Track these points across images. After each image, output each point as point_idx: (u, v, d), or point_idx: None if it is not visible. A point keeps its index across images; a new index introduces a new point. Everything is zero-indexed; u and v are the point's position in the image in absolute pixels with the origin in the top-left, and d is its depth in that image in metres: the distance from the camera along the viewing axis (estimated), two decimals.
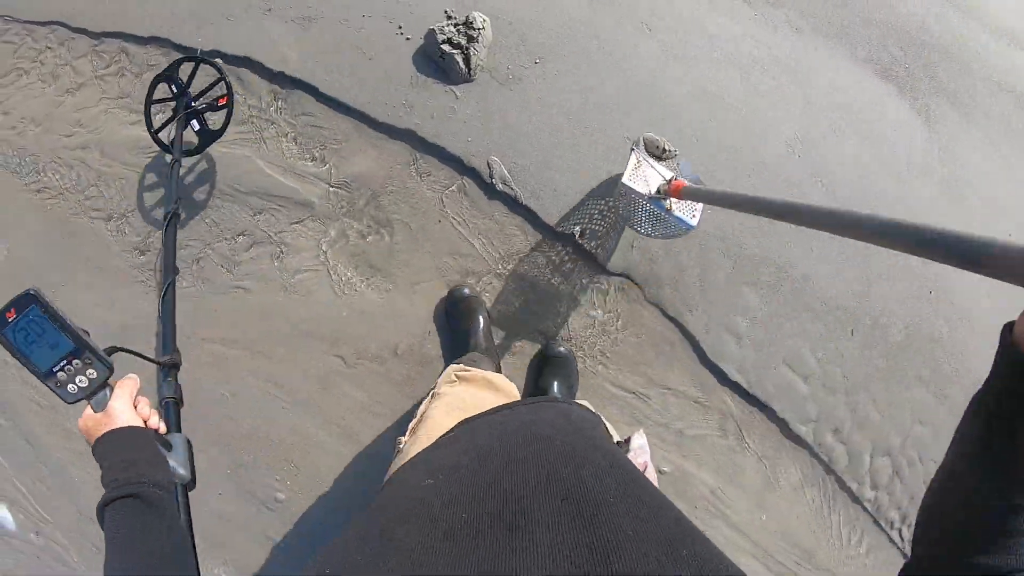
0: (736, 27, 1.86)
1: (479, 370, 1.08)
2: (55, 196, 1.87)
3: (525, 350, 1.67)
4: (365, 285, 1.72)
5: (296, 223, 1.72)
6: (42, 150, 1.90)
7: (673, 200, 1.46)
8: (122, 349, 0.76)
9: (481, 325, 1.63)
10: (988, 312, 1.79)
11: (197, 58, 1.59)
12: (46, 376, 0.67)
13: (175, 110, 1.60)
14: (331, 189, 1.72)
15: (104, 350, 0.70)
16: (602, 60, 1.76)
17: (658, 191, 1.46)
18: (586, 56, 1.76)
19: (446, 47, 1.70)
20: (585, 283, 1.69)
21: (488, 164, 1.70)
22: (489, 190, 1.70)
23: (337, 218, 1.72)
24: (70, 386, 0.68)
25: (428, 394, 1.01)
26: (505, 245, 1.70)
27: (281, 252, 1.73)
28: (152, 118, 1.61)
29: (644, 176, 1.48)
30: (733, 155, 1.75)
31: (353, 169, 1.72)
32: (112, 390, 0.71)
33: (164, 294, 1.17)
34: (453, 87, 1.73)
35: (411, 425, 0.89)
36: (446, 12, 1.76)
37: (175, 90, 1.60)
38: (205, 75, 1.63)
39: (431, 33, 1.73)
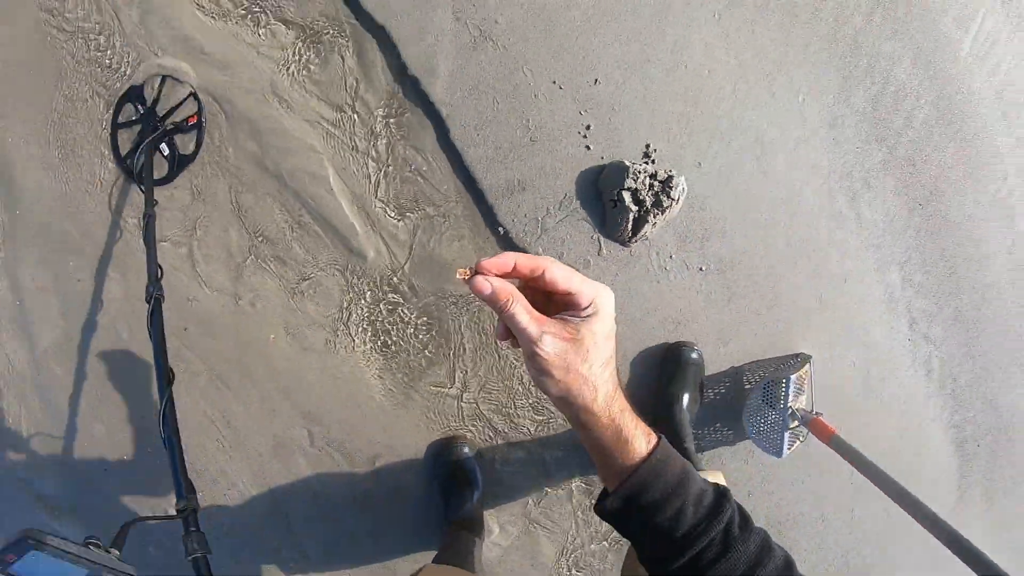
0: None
1: None
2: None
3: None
4: (377, 379, 1.48)
5: (330, 268, 1.43)
6: None
7: (795, 426, 1.39)
8: (138, 520, 0.69)
9: (475, 498, 1.45)
10: None
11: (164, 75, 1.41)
12: None
13: (141, 133, 1.41)
14: (393, 254, 1.42)
15: (118, 533, 0.64)
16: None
17: (794, 415, 1.38)
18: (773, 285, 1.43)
19: (627, 195, 1.32)
20: None
21: None
22: None
23: (382, 290, 1.44)
24: None
25: None
26: None
27: (301, 289, 1.45)
28: (119, 142, 1.40)
29: (798, 391, 1.39)
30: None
31: (434, 252, 1.41)
32: None
33: (151, 319, 0.95)
34: (602, 239, 1.38)
35: None
36: (647, 149, 1.36)
37: (140, 110, 1.41)
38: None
39: (619, 167, 1.33)
